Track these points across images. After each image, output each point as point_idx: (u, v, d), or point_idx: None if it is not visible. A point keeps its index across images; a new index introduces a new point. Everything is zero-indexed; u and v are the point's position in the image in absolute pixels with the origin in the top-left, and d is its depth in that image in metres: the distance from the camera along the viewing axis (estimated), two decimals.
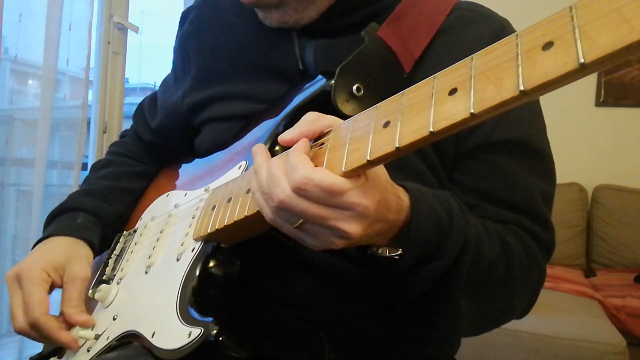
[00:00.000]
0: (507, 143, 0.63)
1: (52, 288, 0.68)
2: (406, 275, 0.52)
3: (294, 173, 0.42)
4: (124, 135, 0.97)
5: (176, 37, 0.85)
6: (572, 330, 1.69)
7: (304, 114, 0.51)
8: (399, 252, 0.50)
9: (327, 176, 0.41)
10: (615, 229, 2.62)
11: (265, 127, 0.64)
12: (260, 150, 0.50)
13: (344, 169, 0.42)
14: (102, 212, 0.79)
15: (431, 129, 0.36)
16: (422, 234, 0.49)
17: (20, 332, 0.65)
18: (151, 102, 0.90)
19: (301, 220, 0.44)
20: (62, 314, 0.67)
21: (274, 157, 0.48)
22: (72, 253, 0.71)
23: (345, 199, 0.42)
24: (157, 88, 0.92)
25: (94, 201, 0.79)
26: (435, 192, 0.53)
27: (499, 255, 0.56)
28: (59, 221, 0.76)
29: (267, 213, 0.47)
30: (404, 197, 0.49)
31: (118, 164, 0.88)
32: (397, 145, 0.38)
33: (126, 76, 2.00)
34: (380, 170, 0.45)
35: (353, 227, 0.43)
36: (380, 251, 0.50)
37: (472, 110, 0.34)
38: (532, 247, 0.61)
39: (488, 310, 0.59)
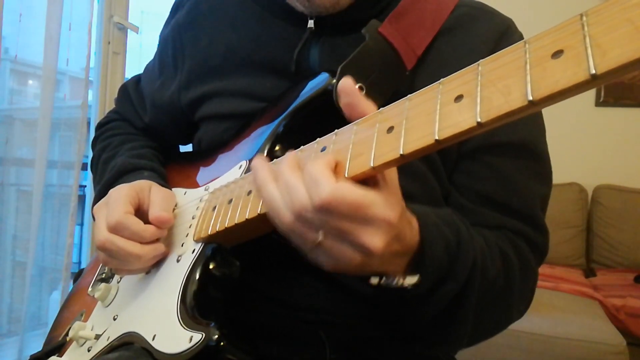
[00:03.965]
0: (507, 145, 0.63)
1: (137, 210, 0.62)
2: (418, 301, 0.50)
3: (318, 187, 0.39)
4: (105, 122, 0.89)
5: (166, 24, 0.81)
6: (572, 330, 1.69)
7: (305, 113, 0.50)
8: (417, 279, 0.46)
9: (352, 191, 0.39)
10: (615, 229, 2.61)
11: (265, 126, 0.63)
12: (261, 164, 0.46)
13: (346, 175, 0.41)
14: (161, 170, 0.76)
15: (437, 137, 0.35)
16: (434, 258, 0.47)
17: (100, 247, 0.58)
18: (137, 90, 0.86)
19: (322, 232, 0.41)
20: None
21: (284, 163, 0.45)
22: (153, 183, 0.67)
23: (371, 212, 0.39)
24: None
25: (149, 162, 0.75)
26: (438, 211, 0.51)
27: (500, 270, 0.56)
28: (125, 179, 0.70)
29: (287, 220, 0.42)
30: (413, 218, 0.47)
31: (136, 138, 0.84)
32: (402, 152, 0.37)
33: (126, 76, 1.99)
34: (397, 179, 0.43)
35: (376, 241, 0.40)
36: (396, 280, 0.46)
37: (479, 119, 0.33)
38: (526, 254, 0.61)
39: (485, 323, 0.59)
